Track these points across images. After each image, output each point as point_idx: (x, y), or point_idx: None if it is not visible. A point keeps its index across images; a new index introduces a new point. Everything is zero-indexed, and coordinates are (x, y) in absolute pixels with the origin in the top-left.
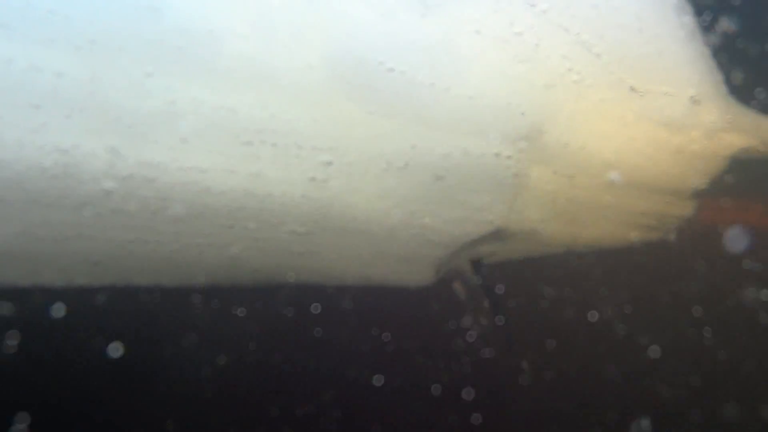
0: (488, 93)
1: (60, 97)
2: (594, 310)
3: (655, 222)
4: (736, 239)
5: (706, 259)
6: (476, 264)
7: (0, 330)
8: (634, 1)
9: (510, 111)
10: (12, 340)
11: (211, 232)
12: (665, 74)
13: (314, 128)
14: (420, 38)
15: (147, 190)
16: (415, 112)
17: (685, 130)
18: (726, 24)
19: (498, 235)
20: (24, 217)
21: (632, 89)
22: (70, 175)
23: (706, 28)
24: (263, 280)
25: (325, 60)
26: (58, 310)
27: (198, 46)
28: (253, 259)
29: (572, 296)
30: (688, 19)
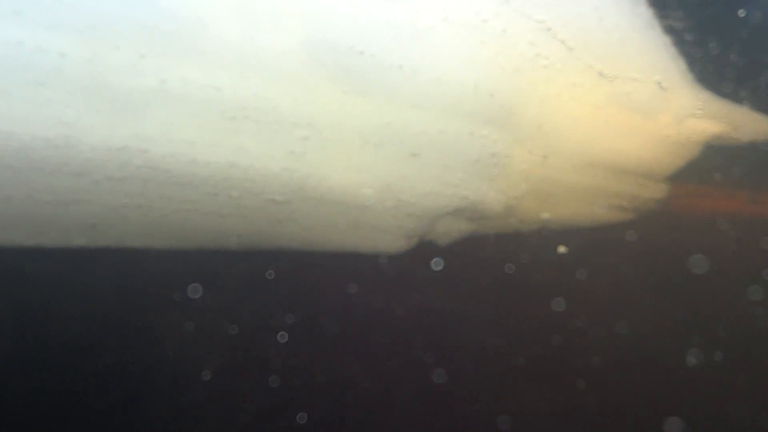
0: (456, 75)
1: (63, 76)
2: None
3: (627, 203)
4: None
5: (676, 242)
6: None
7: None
8: None
9: (478, 92)
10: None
11: (197, 199)
12: (630, 61)
13: (293, 106)
14: (390, 24)
15: (139, 160)
16: (384, 92)
17: (655, 114)
18: (684, 15)
19: (472, 209)
20: (29, 183)
21: (601, 74)
22: (70, 145)
23: (664, 18)
24: (246, 245)
25: (302, 44)
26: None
27: (187, 30)
28: (237, 225)
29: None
30: (644, 11)
